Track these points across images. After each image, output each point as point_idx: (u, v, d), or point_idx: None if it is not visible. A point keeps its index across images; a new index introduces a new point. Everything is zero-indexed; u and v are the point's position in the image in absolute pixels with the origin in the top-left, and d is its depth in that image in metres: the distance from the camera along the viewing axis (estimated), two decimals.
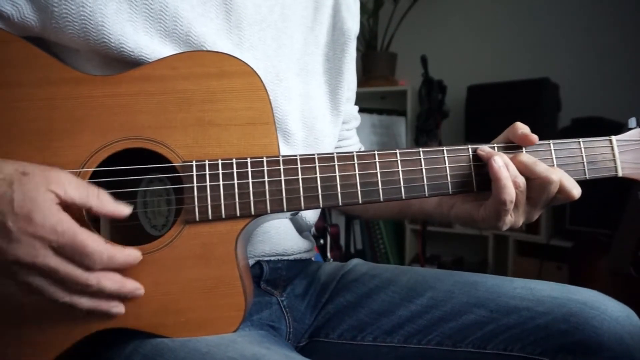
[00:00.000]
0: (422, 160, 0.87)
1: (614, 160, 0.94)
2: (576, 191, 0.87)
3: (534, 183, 0.86)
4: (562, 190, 0.87)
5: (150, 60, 0.86)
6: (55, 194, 0.71)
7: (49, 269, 0.70)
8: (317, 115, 1.09)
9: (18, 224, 0.68)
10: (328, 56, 1.14)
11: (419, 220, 3.44)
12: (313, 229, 1.18)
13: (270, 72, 0.98)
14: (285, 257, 1.06)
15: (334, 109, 1.14)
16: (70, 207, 0.73)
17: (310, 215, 1.12)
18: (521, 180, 0.85)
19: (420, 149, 0.88)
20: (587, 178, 0.93)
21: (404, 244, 3.87)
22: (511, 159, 0.87)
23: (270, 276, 1.03)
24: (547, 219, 3.18)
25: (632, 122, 0.97)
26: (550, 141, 0.92)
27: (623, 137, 0.95)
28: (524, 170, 0.86)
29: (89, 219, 0.80)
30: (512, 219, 0.87)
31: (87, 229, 0.73)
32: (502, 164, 0.85)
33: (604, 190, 2.76)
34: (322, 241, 2.05)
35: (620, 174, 0.94)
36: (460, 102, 3.52)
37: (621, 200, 2.38)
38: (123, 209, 0.77)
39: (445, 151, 0.88)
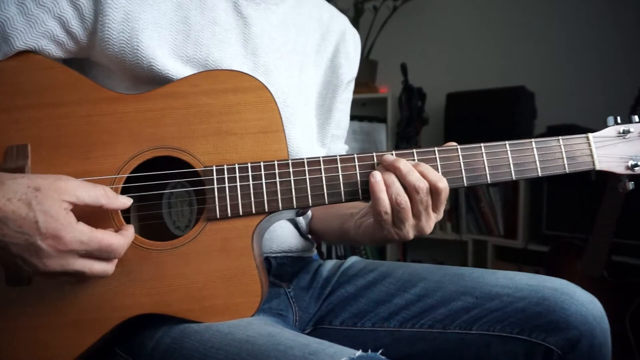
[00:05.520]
0: (417, 159, 0.98)
1: (592, 155, 1.03)
2: (441, 184, 0.94)
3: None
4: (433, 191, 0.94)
5: (175, 78, 0.98)
6: (69, 202, 0.80)
7: (76, 272, 0.81)
8: (312, 142, 1.22)
9: (47, 242, 0.77)
10: (321, 94, 1.26)
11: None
12: None
13: (278, 97, 1.06)
14: (290, 254, 1.18)
15: (319, 140, 1.27)
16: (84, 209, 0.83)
17: (305, 224, 1.26)
18: (402, 200, 0.93)
19: (414, 150, 0.98)
20: (567, 172, 1.02)
21: (385, 249, 3.89)
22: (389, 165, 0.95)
23: (277, 270, 1.15)
24: (524, 224, 3.26)
25: (610, 120, 1.06)
26: (532, 140, 1.01)
27: (600, 134, 1.04)
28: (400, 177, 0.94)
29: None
30: (399, 231, 0.95)
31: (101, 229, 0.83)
32: (380, 180, 0.93)
33: (579, 195, 2.86)
34: None
35: (597, 167, 1.03)
36: (440, 109, 3.56)
37: (595, 206, 2.45)
38: (126, 201, 0.88)
39: (436, 152, 0.98)
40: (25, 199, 0.77)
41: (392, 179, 0.94)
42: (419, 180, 0.92)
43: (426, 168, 0.94)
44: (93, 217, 0.84)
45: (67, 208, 0.80)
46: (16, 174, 0.82)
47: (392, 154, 0.97)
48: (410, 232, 0.96)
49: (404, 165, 0.93)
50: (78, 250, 0.79)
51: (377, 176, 0.93)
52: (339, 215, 1.19)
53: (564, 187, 2.95)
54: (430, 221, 0.96)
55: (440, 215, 0.97)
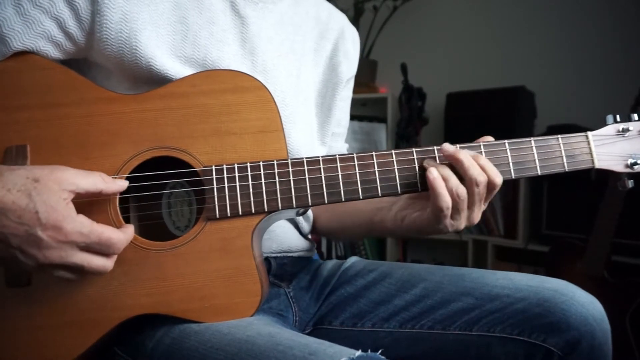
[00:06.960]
0: (416, 159, 0.98)
1: (591, 154, 1.04)
2: (498, 179, 0.97)
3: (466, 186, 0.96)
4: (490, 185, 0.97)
5: (174, 78, 0.98)
6: (69, 191, 0.81)
7: (75, 265, 0.81)
8: (312, 141, 1.22)
9: (47, 232, 0.78)
10: (321, 92, 1.26)
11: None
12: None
13: (277, 97, 1.06)
14: (290, 254, 1.17)
15: (320, 139, 1.27)
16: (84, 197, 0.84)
17: (305, 224, 1.25)
18: (462, 191, 0.95)
19: (414, 149, 0.99)
20: (567, 170, 1.03)
21: (385, 249, 3.87)
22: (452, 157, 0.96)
23: (277, 271, 1.14)
24: (524, 224, 3.25)
25: (610, 119, 1.06)
26: (532, 138, 1.01)
27: (599, 133, 1.05)
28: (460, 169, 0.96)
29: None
30: (454, 222, 0.98)
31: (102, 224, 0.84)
32: (437, 175, 0.94)
33: (579, 195, 2.85)
34: None
35: (597, 165, 1.03)
36: (440, 109, 3.55)
37: (595, 206, 2.44)
38: (123, 184, 0.90)
39: (436, 150, 0.99)
40: (24, 190, 0.78)
41: (448, 172, 0.95)
42: (480, 174, 0.94)
43: (487, 162, 0.96)
44: (92, 215, 0.84)
45: (67, 198, 0.80)
46: (13, 166, 0.83)
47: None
48: (463, 223, 0.98)
49: (466, 157, 0.95)
50: (78, 242, 0.80)
51: (434, 172, 0.94)
52: (363, 211, 1.19)
53: (564, 187, 2.95)
54: (480, 212, 0.99)
55: (486, 205, 1.00)
